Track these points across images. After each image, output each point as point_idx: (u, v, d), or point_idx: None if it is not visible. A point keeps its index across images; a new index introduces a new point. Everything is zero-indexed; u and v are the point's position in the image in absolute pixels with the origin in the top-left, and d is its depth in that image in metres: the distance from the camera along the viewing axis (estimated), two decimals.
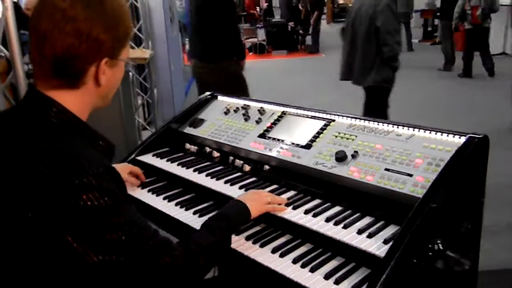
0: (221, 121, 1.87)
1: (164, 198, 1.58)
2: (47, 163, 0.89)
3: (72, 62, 0.97)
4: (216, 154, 1.76)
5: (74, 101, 1.01)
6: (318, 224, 1.25)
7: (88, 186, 0.88)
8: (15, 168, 0.91)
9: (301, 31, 12.66)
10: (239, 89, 3.69)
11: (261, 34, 12.63)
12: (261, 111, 1.81)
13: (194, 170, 1.65)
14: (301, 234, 1.28)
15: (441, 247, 1.13)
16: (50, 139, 0.94)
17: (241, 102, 1.93)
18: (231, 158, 1.68)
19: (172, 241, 1.04)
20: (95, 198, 0.89)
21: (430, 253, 1.13)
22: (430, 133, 1.36)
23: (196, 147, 1.83)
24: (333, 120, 1.61)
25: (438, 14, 9.83)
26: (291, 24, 12.44)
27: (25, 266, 0.92)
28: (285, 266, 1.17)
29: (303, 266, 1.15)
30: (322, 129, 1.59)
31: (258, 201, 1.30)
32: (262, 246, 1.26)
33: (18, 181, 0.90)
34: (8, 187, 0.91)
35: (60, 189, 0.87)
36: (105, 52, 0.99)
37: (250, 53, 12.58)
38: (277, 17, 13.98)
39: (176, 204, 1.53)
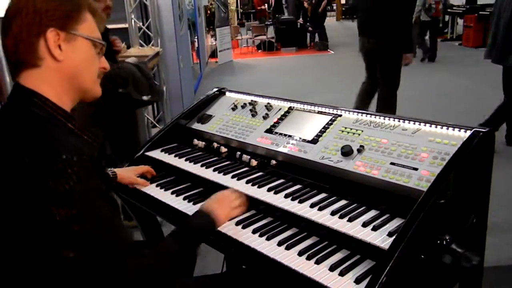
0: (229, 117, 1.89)
1: (172, 193, 1.61)
2: (25, 149, 0.90)
3: (20, 37, 0.99)
4: (223, 149, 1.78)
5: (44, 84, 1.02)
6: (323, 217, 1.26)
7: (64, 171, 0.88)
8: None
9: (310, 28, 12.63)
10: (392, 67, 4.10)
11: (270, 32, 12.63)
12: (268, 107, 1.83)
13: (202, 165, 1.67)
14: (307, 227, 1.30)
15: (446, 241, 1.14)
16: (33, 128, 0.96)
17: (248, 98, 1.95)
18: (239, 153, 1.70)
19: (140, 247, 1.06)
20: (69, 185, 0.88)
21: (435, 247, 1.14)
22: (435, 127, 1.37)
23: (204, 143, 1.85)
24: (340, 115, 1.62)
25: None
26: (300, 21, 12.43)
27: (9, 254, 0.94)
28: (291, 258, 1.18)
29: (308, 258, 1.17)
30: (329, 124, 1.60)
31: (225, 207, 1.33)
32: (268, 239, 1.27)
33: (1, 168, 0.91)
34: None
35: (35, 174, 0.87)
36: (48, 22, 1.00)
37: (259, 51, 12.59)
38: (286, 14, 13.97)
39: (184, 199, 1.56)
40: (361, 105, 4.44)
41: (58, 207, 0.87)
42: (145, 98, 2.69)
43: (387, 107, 4.22)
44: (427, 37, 9.31)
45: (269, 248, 1.23)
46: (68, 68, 1.04)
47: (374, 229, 1.18)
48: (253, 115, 1.83)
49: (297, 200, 1.36)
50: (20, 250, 0.93)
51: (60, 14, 1.01)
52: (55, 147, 0.91)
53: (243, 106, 1.90)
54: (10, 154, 0.92)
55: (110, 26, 3.64)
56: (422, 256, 1.10)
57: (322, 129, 1.59)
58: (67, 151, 0.91)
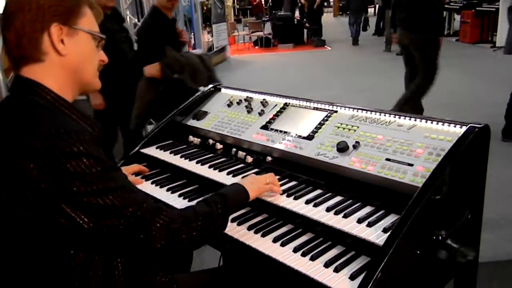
0: (224, 113, 1.88)
1: (168, 190, 1.60)
2: (33, 134, 0.92)
3: (23, 33, 1.01)
4: (219, 146, 1.77)
5: (48, 78, 1.05)
6: (318, 213, 1.26)
7: (76, 153, 0.91)
8: (4, 145, 0.94)
9: (307, 24, 12.62)
10: (429, 57, 4.43)
11: (267, 28, 12.61)
12: (264, 103, 1.82)
13: (197, 162, 1.66)
14: (302, 223, 1.30)
15: (441, 237, 1.14)
16: (35, 114, 0.98)
17: (243, 94, 1.94)
18: (234, 149, 1.70)
19: (165, 208, 1.07)
20: (84, 164, 0.92)
21: (430, 242, 1.14)
22: (431, 123, 1.37)
23: (199, 139, 1.84)
24: (335, 111, 1.62)
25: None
26: (297, 17, 12.41)
27: (22, 237, 0.97)
28: (286, 255, 1.18)
29: (303, 254, 1.17)
30: (324, 120, 1.60)
31: (256, 184, 1.34)
32: (263, 235, 1.27)
33: (8, 156, 0.93)
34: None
35: (49, 157, 0.90)
36: (52, 17, 1.02)
37: (256, 47, 12.57)
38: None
39: (180, 196, 1.55)
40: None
41: (80, 185, 0.91)
42: (201, 88, 2.75)
43: (417, 92, 4.58)
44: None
45: (265, 244, 1.23)
46: (70, 62, 1.07)
47: (369, 225, 1.18)
48: (248, 112, 1.82)
49: (292, 197, 1.36)
50: (44, 229, 0.95)
51: (63, 10, 1.04)
52: (63, 130, 0.93)
53: (239, 103, 1.90)
54: (17, 140, 0.93)
55: None
56: (417, 252, 1.10)
57: (318, 125, 1.58)
58: (75, 132, 0.94)
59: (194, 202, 1.48)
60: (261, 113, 1.78)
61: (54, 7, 1.03)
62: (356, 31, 11.93)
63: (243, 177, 1.47)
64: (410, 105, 4.56)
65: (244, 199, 1.30)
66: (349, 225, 1.19)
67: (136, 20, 4.70)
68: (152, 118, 3.20)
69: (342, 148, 1.42)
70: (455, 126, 1.31)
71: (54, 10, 1.02)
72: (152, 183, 1.67)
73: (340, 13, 20.43)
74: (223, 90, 2.05)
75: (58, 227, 0.95)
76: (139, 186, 1.64)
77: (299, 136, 1.58)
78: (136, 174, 1.71)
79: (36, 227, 0.95)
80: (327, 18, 16.47)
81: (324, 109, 1.65)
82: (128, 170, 1.67)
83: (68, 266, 0.99)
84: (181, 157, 1.73)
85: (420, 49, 4.41)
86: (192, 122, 1.93)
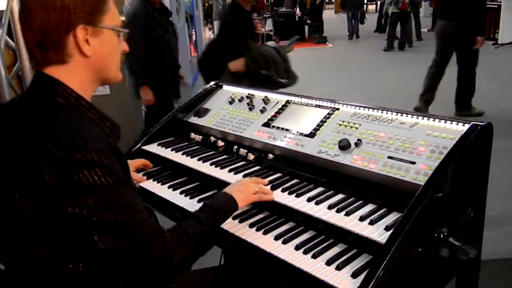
0: (226, 111, 1.88)
1: (169, 187, 1.60)
2: (51, 137, 0.90)
3: (48, 34, 0.98)
4: (220, 143, 1.77)
5: (71, 78, 1.02)
6: (320, 211, 1.26)
7: (91, 162, 0.89)
8: (21, 144, 0.93)
9: (308, 21, 12.59)
10: (471, 48, 4.69)
11: (269, 24, 12.58)
12: (266, 100, 1.82)
13: (199, 159, 1.66)
14: (304, 221, 1.30)
15: (443, 235, 1.14)
16: (55, 115, 0.96)
17: (245, 91, 1.94)
18: (236, 147, 1.70)
19: (164, 230, 1.05)
20: (97, 175, 0.90)
21: (432, 240, 1.13)
22: (433, 120, 1.36)
23: (201, 137, 1.84)
24: (337, 109, 1.61)
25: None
26: (298, 13, 12.39)
27: (31, 240, 0.95)
28: (287, 252, 1.18)
29: (305, 252, 1.17)
30: (326, 117, 1.59)
31: (244, 192, 1.31)
32: (265, 233, 1.27)
33: (24, 156, 0.91)
34: (14, 163, 0.93)
35: (64, 164, 0.88)
36: (77, 19, 0.98)
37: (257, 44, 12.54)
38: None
39: (181, 193, 1.55)
40: (431, 87, 5.05)
41: (88, 197, 0.89)
42: (283, 81, 2.91)
43: (466, 85, 4.87)
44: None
45: (266, 242, 1.23)
46: (96, 61, 1.04)
47: (371, 223, 1.17)
48: (250, 109, 1.82)
49: (294, 194, 1.35)
50: (48, 237, 0.94)
51: (88, 9, 1.00)
52: (79, 137, 0.91)
53: (240, 100, 1.89)
54: (35, 142, 0.91)
55: None
56: (420, 250, 1.10)
57: (320, 123, 1.58)
58: (92, 140, 0.91)
59: (195, 200, 1.48)
60: (262, 111, 1.78)
61: (80, 7, 0.98)
62: (352, 26, 12.38)
63: (230, 170, 1.45)
64: (468, 89, 4.97)
65: (233, 211, 1.27)
66: (351, 223, 1.19)
67: None
68: None
69: (344, 145, 1.41)
70: (457, 124, 1.31)
71: (80, 10, 0.98)
72: (153, 180, 1.67)
73: (341, 10, 20.41)
74: (224, 87, 2.05)
75: (64, 235, 0.93)
76: (141, 183, 1.65)
77: (301, 134, 1.58)
78: (139, 170, 1.71)
79: (45, 231, 0.94)
80: (328, 14, 16.42)
81: (326, 106, 1.65)
82: (132, 164, 1.67)
83: (73, 273, 0.97)
84: (182, 154, 1.73)
85: (465, 37, 4.65)
86: (194, 119, 1.93)
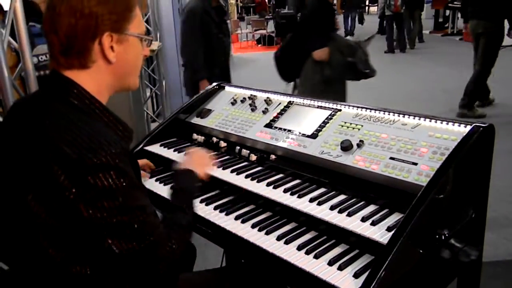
0: (228, 111, 1.89)
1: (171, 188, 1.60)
2: (66, 140, 0.90)
3: (74, 40, 0.98)
4: (223, 144, 1.77)
5: (90, 82, 1.02)
6: (322, 212, 1.26)
7: (106, 165, 0.89)
8: (36, 145, 0.93)
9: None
10: (492, 48, 4.89)
11: (270, 26, 12.58)
12: (268, 101, 1.82)
13: None
14: (306, 222, 1.30)
15: (444, 236, 1.14)
16: (70, 118, 0.96)
17: (247, 92, 1.95)
18: (238, 148, 1.70)
19: (173, 234, 1.06)
20: (111, 178, 0.90)
21: (434, 241, 1.14)
22: (435, 122, 1.37)
23: (203, 137, 1.85)
24: (339, 110, 1.62)
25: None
26: (300, 15, 12.40)
27: (40, 242, 0.95)
28: (290, 253, 1.18)
29: (307, 252, 1.17)
30: (328, 118, 1.60)
31: (203, 165, 1.37)
32: (267, 233, 1.27)
33: (39, 158, 0.91)
34: (29, 164, 0.93)
35: (78, 167, 0.88)
36: (104, 26, 0.99)
37: (259, 45, 12.55)
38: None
39: None
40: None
41: (103, 200, 0.89)
42: (366, 70, 3.09)
43: (476, 84, 4.97)
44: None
45: (268, 242, 1.23)
46: (118, 68, 1.05)
47: (373, 223, 1.18)
48: (252, 110, 1.82)
49: (296, 195, 1.36)
50: (59, 238, 0.94)
51: (115, 17, 1.01)
52: (95, 140, 0.91)
53: (243, 101, 1.90)
54: (50, 143, 0.91)
55: None
56: (421, 251, 1.10)
57: (322, 124, 1.58)
58: (107, 143, 0.92)
59: (197, 200, 1.48)
60: (265, 111, 1.78)
61: (107, 15, 0.99)
62: (350, 26, 12.83)
63: (232, 171, 1.52)
64: (477, 90, 5.05)
65: (198, 183, 1.31)
66: (353, 223, 1.19)
67: None
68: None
69: (346, 146, 1.42)
70: (459, 125, 1.31)
71: (107, 18, 0.99)
72: (156, 180, 1.67)
73: (343, 10, 20.44)
74: (227, 88, 2.06)
75: (76, 237, 0.93)
76: (143, 183, 1.65)
77: (303, 135, 1.58)
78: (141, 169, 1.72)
79: (56, 233, 0.94)
80: None
81: (328, 107, 1.65)
82: None
83: (81, 276, 0.97)
84: (185, 155, 1.74)
85: (490, 37, 4.81)
86: (196, 120, 1.94)
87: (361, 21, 13.82)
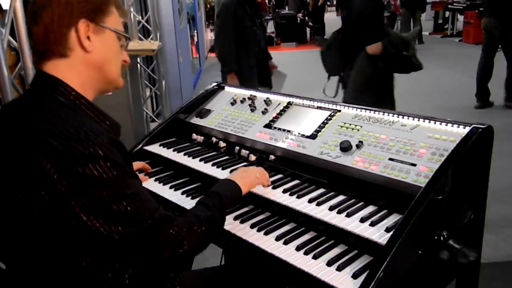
0: (228, 112, 1.89)
1: (171, 187, 1.61)
2: (53, 133, 0.92)
3: (51, 28, 1.01)
4: (222, 144, 1.78)
5: (72, 76, 1.05)
6: (321, 212, 1.27)
7: (95, 155, 0.91)
8: (24, 141, 0.94)
9: (310, 23, 12.61)
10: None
11: (270, 26, 12.60)
12: (267, 102, 1.82)
13: (201, 160, 1.67)
14: (305, 222, 1.30)
15: (443, 237, 1.15)
16: (56, 113, 0.98)
17: (247, 92, 1.95)
18: (237, 148, 1.70)
19: (175, 217, 1.07)
20: (101, 168, 0.91)
21: (432, 242, 1.14)
22: (434, 123, 1.37)
23: (202, 137, 1.85)
24: (339, 111, 1.62)
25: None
26: (300, 16, 12.40)
27: (34, 236, 0.97)
28: (288, 253, 1.19)
29: (306, 253, 1.17)
30: (328, 119, 1.60)
31: (247, 178, 1.34)
32: (266, 234, 1.28)
33: (27, 153, 0.92)
34: (17, 161, 0.94)
35: (67, 158, 0.89)
36: (79, 14, 1.03)
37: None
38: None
39: (183, 193, 1.56)
40: (482, 82, 5.34)
41: (95, 189, 0.91)
42: (418, 64, 3.17)
43: None
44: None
45: (267, 242, 1.24)
46: (95, 59, 1.07)
47: (372, 224, 1.18)
48: (252, 110, 1.82)
49: (295, 195, 1.36)
50: (54, 233, 0.95)
51: (91, 6, 1.05)
52: (81, 131, 0.93)
53: (242, 101, 1.90)
54: (37, 138, 0.92)
55: None
56: (420, 252, 1.11)
57: (321, 125, 1.59)
58: (94, 134, 0.93)
59: (196, 200, 1.48)
60: (264, 112, 1.79)
61: (83, 3, 1.03)
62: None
63: (231, 171, 1.49)
64: None
65: (237, 196, 1.30)
66: (352, 224, 1.20)
67: (140, 17, 4.69)
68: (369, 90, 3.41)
69: (345, 147, 1.42)
70: (458, 127, 1.31)
71: (83, 6, 1.03)
72: (155, 180, 1.67)
73: (336, 12, 20.49)
74: (226, 88, 2.06)
75: (70, 229, 0.94)
76: (142, 183, 1.65)
77: (302, 135, 1.58)
78: (139, 171, 1.72)
79: (49, 228, 0.95)
80: (330, 17, 16.45)
81: (328, 108, 1.66)
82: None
83: (78, 268, 0.99)
84: (184, 154, 1.74)
85: (505, 33, 4.98)
86: (196, 120, 1.94)
87: None
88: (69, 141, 0.90)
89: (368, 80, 3.27)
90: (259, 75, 3.68)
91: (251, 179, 1.35)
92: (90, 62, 1.07)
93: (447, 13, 12.26)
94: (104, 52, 1.08)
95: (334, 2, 21.09)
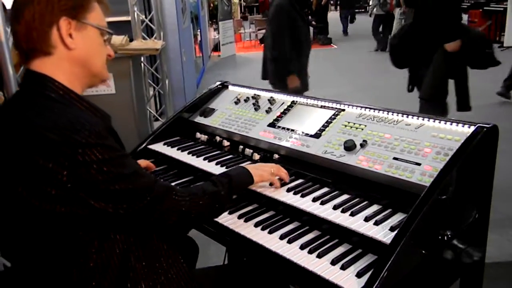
0: (232, 111, 1.89)
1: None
2: (48, 127, 0.94)
3: (33, 26, 1.02)
4: (226, 143, 1.78)
5: (58, 72, 1.06)
6: (326, 211, 1.27)
7: (91, 143, 0.94)
8: (20, 137, 0.96)
9: (313, 22, 12.60)
10: None
11: None
12: (271, 101, 1.82)
13: (205, 159, 1.67)
14: (309, 221, 1.30)
15: (447, 237, 1.14)
16: (49, 108, 1.00)
17: (251, 92, 1.95)
18: (241, 147, 1.70)
19: (175, 187, 1.13)
20: (100, 153, 0.95)
21: (437, 242, 1.14)
22: (439, 122, 1.37)
23: (206, 136, 1.85)
24: (343, 110, 1.62)
25: None
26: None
27: (39, 230, 0.99)
28: (292, 252, 1.19)
29: (310, 252, 1.17)
30: (332, 118, 1.60)
31: (260, 170, 1.38)
32: (270, 232, 1.28)
33: (24, 148, 0.94)
34: (15, 156, 0.96)
35: (65, 149, 0.92)
36: (60, 12, 1.03)
37: (262, 44, 12.54)
38: None
39: None
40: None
41: (97, 174, 0.94)
42: (498, 60, 3.24)
43: None
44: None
45: (271, 241, 1.24)
46: (78, 55, 1.08)
47: (376, 223, 1.18)
48: (256, 109, 1.83)
49: (299, 194, 1.36)
50: (61, 219, 0.98)
51: (72, 4, 1.05)
52: (75, 121, 0.96)
53: (246, 100, 1.90)
54: (33, 133, 0.94)
55: (111, 19, 3.68)
56: (424, 251, 1.10)
57: (325, 124, 1.59)
58: (88, 123, 0.96)
59: None
60: (268, 111, 1.79)
61: (64, 1, 1.04)
62: (344, 24, 13.41)
63: (227, 167, 1.54)
64: None
65: (248, 183, 1.34)
66: (356, 223, 1.20)
67: (144, 16, 4.70)
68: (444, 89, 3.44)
69: (349, 146, 1.42)
70: (463, 126, 1.31)
71: (64, 4, 1.04)
72: (159, 179, 1.67)
73: (335, 9, 20.52)
74: (230, 87, 2.06)
75: (75, 216, 0.97)
76: None
77: (306, 134, 1.58)
78: None
79: (54, 218, 0.97)
80: (333, 15, 16.43)
81: (332, 107, 1.65)
82: None
83: (84, 253, 1.02)
84: (188, 153, 1.74)
85: None
86: (200, 119, 1.94)
87: (352, 20, 14.27)
88: (66, 132, 0.93)
89: (445, 77, 3.28)
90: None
91: (265, 172, 1.38)
92: (73, 59, 1.08)
93: None
94: (87, 48, 1.10)
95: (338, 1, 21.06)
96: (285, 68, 3.54)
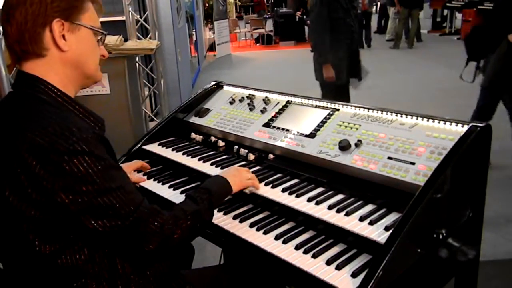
0: (226, 111, 1.89)
1: (170, 187, 1.60)
2: (37, 131, 0.92)
3: (25, 28, 1.01)
4: (221, 143, 1.78)
5: (52, 74, 1.05)
6: (320, 211, 1.27)
7: (79, 151, 0.92)
8: (8, 139, 0.95)
9: (309, 22, 12.61)
10: None
11: (269, 25, 12.59)
12: (266, 101, 1.82)
13: (199, 159, 1.67)
14: (304, 221, 1.30)
15: (442, 235, 1.15)
16: (40, 111, 0.99)
17: (246, 92, 1.95)
18: (236, 147, 1.70)
19: (161, 210, 1.07)
20: (86, 163, 0.92)
21: (431, 241, 1.14)
22: (433, 121, 1.37)
23: (201, 137, 1.85)
24: (338, 110, 1.62)
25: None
26: (298, 14, 12.39)
27: (27, 234, 0.98)
28: (288, 252, 1.18)
29: (305, 252, 1.17)
30: (327, 118, 1.60)
31: (238, 176, 1.35)
32: (265, 233, 1.28)
33: (12, 151, 0.93)
34: (2, 159, 0.95)
35: (52, 155, 0.90)
36: (53, 13, 1.02)
37: (258, 44, 12.55)
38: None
39: (182, 193, 1.56)
40: None
41: (81, 184, 0.92)
42: None
43: None
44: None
45: (266, 242, 1.24)
46: (71, 57, 1.07)
47: (371, 223, 1.18)
48: (251, 109, 1.82)
49: (294, 194, 1.36)
50: (44, 229, 0.96)
51: (65, 5, 1.03)
52: (65, 127, 0.94)
53: (241, 100, 1.90)
54: (22, 136, 0.93)
55: (106, 19, 3.65)
56: (419, 250, 1.11)
57: (320, 123, 1.59)
58: (78, 130, 0.94)
59: None
60: (263, 111, 1.79)
61: (57, 2, 1.02)
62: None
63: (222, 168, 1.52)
64: None
65: (227, 193, 1.32)
66: (351, 223, 1.20)
67: (138, 16, 4.69)
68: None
69: (344, 146, 1.42)
70: (457, 125, 1.31)
71: (57, 5, 1.02)
72: (154, 180, 1.67)
73: None
74: (225, 87, 2.06)
75: (59, 225, 0.96)
76: (141, 183, 1.65)
77: (301, 134, 1.58)
78: (138, 171, 1.72)
79: (40, 224, 0.96)
80: None
81: (326, 107, 1.66)
82: (130, 166, 1.67)
83: (69, 262, 1.00)
84: (183, 154, 1.74)
85: None
86: (194, 119, 1.94)
87: None
88: (53, 137, 0.91)
89: (507, 66, 3.32)
90: (350, 67, 3.73)
91: (242, 179, 1.36)
92: (67, 60, 1.06)
93: (445, 11, 12.26)
94: (80, 49, 1.08)
95: None
96: (319, 58, 3.64)
